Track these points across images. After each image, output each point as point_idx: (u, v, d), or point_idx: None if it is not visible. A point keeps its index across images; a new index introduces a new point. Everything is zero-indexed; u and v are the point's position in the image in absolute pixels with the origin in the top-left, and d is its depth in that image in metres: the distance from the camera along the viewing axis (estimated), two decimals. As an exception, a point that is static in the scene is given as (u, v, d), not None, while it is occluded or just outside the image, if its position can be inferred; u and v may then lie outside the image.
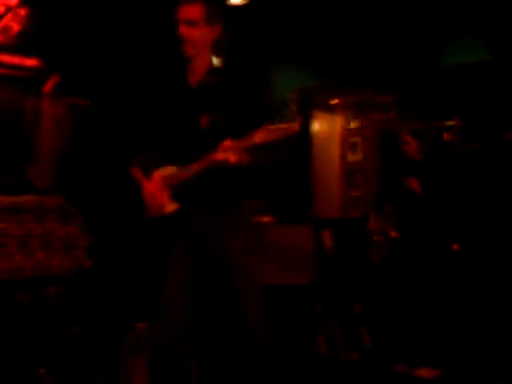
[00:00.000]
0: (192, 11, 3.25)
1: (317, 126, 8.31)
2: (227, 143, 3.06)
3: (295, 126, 3.06)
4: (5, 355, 4.45)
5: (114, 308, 4.78)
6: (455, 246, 5.76)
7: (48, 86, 6.03)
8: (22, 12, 6.31)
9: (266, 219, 6.89)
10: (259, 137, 3.03)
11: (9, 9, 6.24)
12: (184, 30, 3.25)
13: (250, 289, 3.32)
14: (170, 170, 3.23)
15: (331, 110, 8.29)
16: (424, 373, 5.34)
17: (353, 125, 8.21)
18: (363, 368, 5.61)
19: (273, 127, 3.03)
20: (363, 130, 8.09)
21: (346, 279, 6.43)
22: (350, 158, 8.19)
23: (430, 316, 5.58)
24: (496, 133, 6.48)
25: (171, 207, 3.20)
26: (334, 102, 8.25)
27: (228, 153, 3.04)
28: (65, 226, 4.89)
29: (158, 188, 3.19)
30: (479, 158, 6.55)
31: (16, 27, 6.29)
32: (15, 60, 6.27)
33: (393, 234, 5.92)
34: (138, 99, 3.34)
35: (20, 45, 6.31)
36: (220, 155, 3.07)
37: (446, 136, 6.70)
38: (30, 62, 6.34)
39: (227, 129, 3.20)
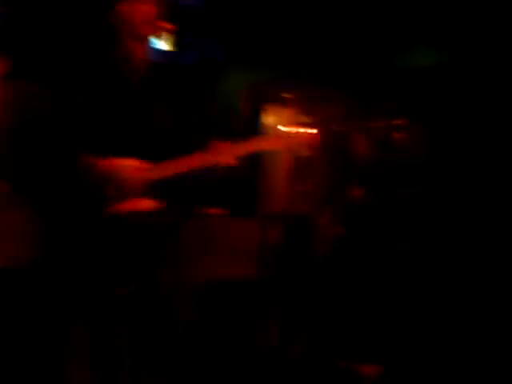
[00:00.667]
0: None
1: (267, 119, 8.28)
2: (222, 145, 3.06)
3: (310, 133, 3.09)
4: None
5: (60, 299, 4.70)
6: (400, 246, 5.84)
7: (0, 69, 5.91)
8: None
9: (214, 211, 6.89)
10: (269, 143, 3.06)
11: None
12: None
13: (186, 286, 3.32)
14: (136, 164, 3.16)
15: (282, 103, 8.28)
16: (366, 369, 5.39)
17: (302, 120, 8.20)
18: (305, 363, 5.64)
19: (286, 134, 3.07)
20: (314, 125, 8.09)
21: (291, 275, 6.46)
22: (299, 152, 8.19)
23: (374, 313, 5.64)
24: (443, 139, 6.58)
25: (149, 204, 3.16)
26: (285, 95, 8.24)
27: (223, 156, 3.03)
28: (9, 214, 4.80)
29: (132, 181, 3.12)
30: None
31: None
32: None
33: (339, 230, 5.95)
34: (89, 86, 3.27)
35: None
36: (216, 158, 3.06)
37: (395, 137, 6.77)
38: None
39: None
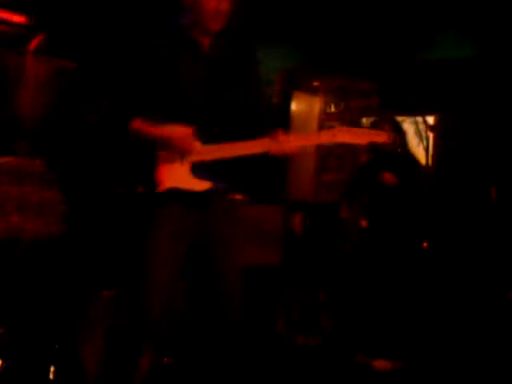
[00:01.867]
0: None
1: (296, 106, 8.28)
2: (287, 136, 3.06)
3: (384, 135, 3.08)
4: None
5: (82, 275, 4.75)
6: (425, 244, 5.82)
7: (33, 44, 5.94)
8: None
9: (238, 196, 6.87)
10: (341, 137, 3.05)
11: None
12: (217, 4, 3.18)
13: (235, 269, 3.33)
14: (186, 128, 3.13)
15: (312, 91, 8.27)
16: (381, 364, 5.39)
17: (332, 109, 8.20)
18: (321, 354, 5.65)
19: (358, 130, 3.07)
20: (342, 114, 8.08)
21: (313, 264, 6.46)
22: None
23: (393, 309, 5.63)
24: (475, 131, 6.54)
25: (203, 185, 3.15)
26: (316, 84, 8.23)
27: (285, 145, 3.04)
28: (41, 191, 4.85)
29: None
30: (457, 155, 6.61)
31: (3, -18, 6.16)
32: (2, 15, 6.14)
33: (363, 223, 5.93)
34: (134, 65, 3.26)
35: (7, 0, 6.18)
36: (277, 146, 3.06)
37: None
38: (18, 18, 6.21)
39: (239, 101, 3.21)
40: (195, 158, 3.13)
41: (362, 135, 3.14)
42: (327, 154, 8.07)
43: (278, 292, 6.18)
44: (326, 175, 8.05)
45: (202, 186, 3.15)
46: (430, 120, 7.07)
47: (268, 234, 6.35)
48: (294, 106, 8.28)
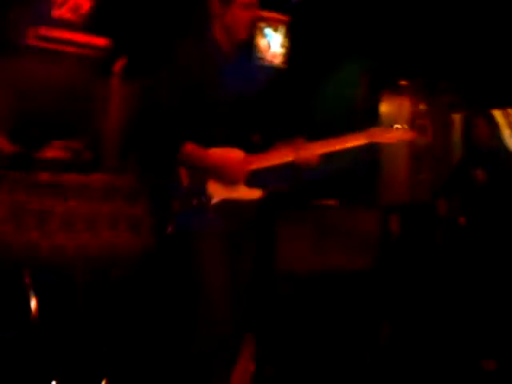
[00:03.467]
0: None
1: (385, 107, 8.18)
2: (310, 144, 3.06)
3: (410, 133, 3.08)
4: (69, 333, 4.49)
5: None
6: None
7: (117, 66, 6.08)
8: (93, -10, 6.35)
9: (330, 202, 6.84)
10: (371, 137, 3.05)
11: (80, -13, 6.29)
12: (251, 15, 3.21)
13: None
14: (237, 154, 3.16)
15: (400, 91, 8.16)
16: (489, 365, 5.25)
17: (421, 107, 8.07)
18: (426, 357, 5.54)
19: (387, 130, 3.06)
20: (432, 112, 7.95)
21: (412, 265, 6.37)
22: (419, 140, 8.06)
23: (496, 306, 5.48)
24: None
25: (257, 193, 3.16)
26: (403, 83, 8.12)
27: (307, 153, 3.03)
28: (132, 206, 4.92)
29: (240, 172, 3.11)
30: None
31: (86, 5, 6.31)
32: (86, 39, 6.29)
33: (461, 220, 5.81)
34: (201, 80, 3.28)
35: (90, 23, 6.33)
36: (299, 155, 3.06)
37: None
38: (100, 41, 6.36)
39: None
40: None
41: (391, 134, 3.13)
42: (422, 155, 7.95)
43: (377, 297, 6.10)
44: (421, 175, 7.92)
45: (253, 194, 3.16)
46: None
47: (363, 237, 6.29)
48: (382, 108, 8.18)
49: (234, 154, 3.10)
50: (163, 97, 3.05)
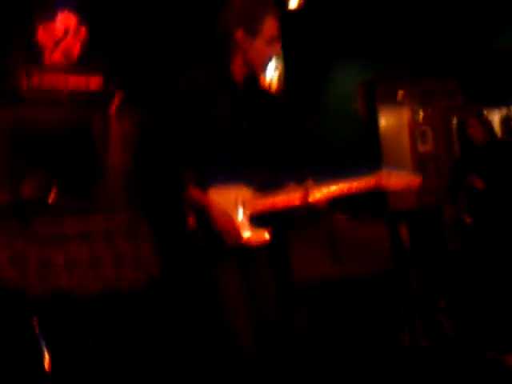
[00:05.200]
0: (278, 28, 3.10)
1: (384, 118, 8.23)
2: (318, 187, 3.02)
3: (417, 180, 3.04)
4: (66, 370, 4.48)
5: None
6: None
7: (114, 104, 6.15)
8: (82, 32, 6.45)
9: (339, 216, 6.87)
10: (379, 181, 3.00)
11: (68, 32, 6.39)
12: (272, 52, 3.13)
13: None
14: (242, 193, 3.08)
15: (397, 101, 8.20)
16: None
17: (420, 114, 8.11)
18: (450, 355, 5.54)
19: (393, 174, 3.01)
20: (431, 118, 7.98)
21: (426, 270, 6.37)
22: (421, 148, 8.09)
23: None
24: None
25: (259, 236, 3.09)
26: (399, 93, 8.16)
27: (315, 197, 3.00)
28: (134, 246, 4.95)
29: (229, 217, 2.95)
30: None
31: (77, 48, 6.41)
32: (80, 80, 6.38)
33: (468, 220, 5.84)
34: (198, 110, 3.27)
35: (83, 65, 6.42)
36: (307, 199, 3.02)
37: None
38: (95, 81, 6.45)
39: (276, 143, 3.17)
40: (250, 209, 3.07)
41: (399, 181, 3.08)
42: (425, 160, 7.97)
43: (393, 304, 6.11)
44: (427, 180, 7.93)
45: (258, 238, 3.10)
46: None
47: (374, 247, 6.32)
48: (382, 122, 8.23)
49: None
50: (166, 123, 3.00)
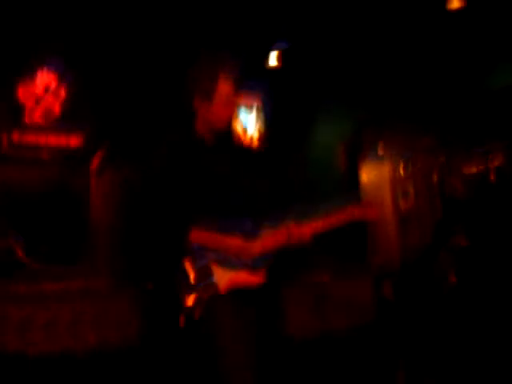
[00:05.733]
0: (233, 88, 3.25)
1: (365, 175, 8.24)
2: (298, 226, 3.08)
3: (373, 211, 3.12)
4: None
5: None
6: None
7: (95, 162, 6.13)
8: (62, 92, 6.46)
9: (323, 276, 6.86)
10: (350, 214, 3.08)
11: (48, 90, 6.40)
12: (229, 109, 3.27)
13: None
14: (233, 241, 3.14)
15: (378, 157, 8.23)
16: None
17: (401, 171, 8.13)
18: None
19: (369, 206, 3.10)
20: (413, 175, 8.01)
21: (412, 326, 6.33)
22: (403, 205, 8.09)
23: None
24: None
25: (256, 279, 3.13)
26: (381, 149, 8.19)
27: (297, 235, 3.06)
28: (116, 306, 4.88)
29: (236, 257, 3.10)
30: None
31: (57, 108, 6.42)
32: (60, 140, 6.38)
33: (452, 278, 5.84)
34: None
35: (64, 123, 6.43)
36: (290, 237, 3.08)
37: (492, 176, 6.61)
38: (76, 139, 6.44)
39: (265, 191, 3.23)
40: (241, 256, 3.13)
41: (374, 211, 3.19)
42: (407, 217, 7.97)
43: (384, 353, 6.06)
44: (409, 237, 7.93)
45: (257, 279, 3.14)
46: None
47: (358, 304, 6.31)
48: (363, 176, 8.24)
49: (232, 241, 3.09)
50: (151, 187, 3.08)
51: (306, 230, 3.14)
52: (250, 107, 7.70)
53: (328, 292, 6.35)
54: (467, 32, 6.64)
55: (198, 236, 3.05)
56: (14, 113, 6.21)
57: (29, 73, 6.31)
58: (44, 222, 6.04)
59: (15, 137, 6.13)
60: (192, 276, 3.02)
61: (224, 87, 3.19)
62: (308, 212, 3.21)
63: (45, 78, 6.35)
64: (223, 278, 3.07)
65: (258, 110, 8.19)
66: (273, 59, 7.27)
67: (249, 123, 8.02)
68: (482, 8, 6.43)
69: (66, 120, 6.44)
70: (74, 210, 6.12)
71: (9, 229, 5.75)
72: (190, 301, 3.01)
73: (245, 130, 8.10)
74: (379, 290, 6.63)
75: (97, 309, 4.79)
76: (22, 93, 6.24)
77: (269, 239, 3.14)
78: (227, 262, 3.09)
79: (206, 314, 3.03)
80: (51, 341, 4.62)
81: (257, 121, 8.12)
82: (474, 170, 6.26)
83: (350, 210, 3.18)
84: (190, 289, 3.02)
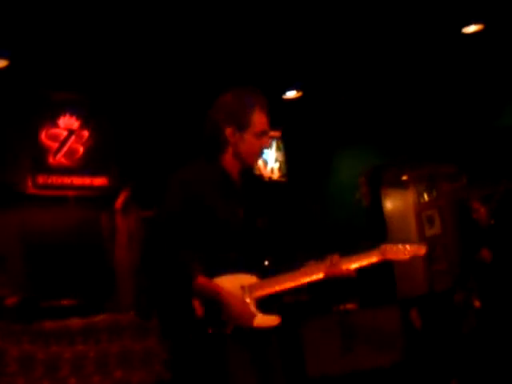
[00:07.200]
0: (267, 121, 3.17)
1: (389, 203, 8.24)
2: (336, 259, 3.03)
3: (423, 248, 3.05)
4: None
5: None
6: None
7: (119, 202, 6.19)
8: (85, 134, 6.57)
9: (350, 306, 6.86)
10: (388, 254, 3.02)
11: (71, 132, 6.53)
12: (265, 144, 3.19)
13: None
14: (248, 280, 3.10)
15: (401, 185, 8.23)
16: None
17: (426, 198, 8.12)
18: None
19: (400, 247, 3.04)
20: (437, 201, 7.99)
21: (440, 354, 6.29)
22: (428, 232, 8.08)
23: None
24: None
25: (274, 320, 3.08)
26: (404, 177, 8.20)
27: (337, 268, 3.00)
28: (142, 341, 4.89)
29: (241, 300, 2.98)
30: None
31: (81, 149, 6.52)
32: (85, 181, 6.47)
33: (477, 304, 5.82)
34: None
35: (87, 165, 6.51)
36: (330, 271, 3.03)
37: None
38: (99, 181, 6.53)
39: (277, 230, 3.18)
40: (257, 294, 3.09)
41: (404, 251, 3.10)
42: (433, 244, 7.93)
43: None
44: (436, 265, 7.90)
45: (269, 321, 3.09)
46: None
47: (386, 335, 6.28)
48: (387, 205, 8.24)
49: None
50: (171, 225, 3.04)
51: (352, 263, 3.03)
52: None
53: (355, 323, 6.36)
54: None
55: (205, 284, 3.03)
56: (39, 156, 6.31)
57: (51, 118, 6.43)
58: (69, 260, 6.11)
59: (40, 178, 6.23)
60: (199, 312, 2.99)
61: (259, 117, 3.12)
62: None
63: (67, 123, 6.47)
64: (232, 319, 3.05)
65: (277, 141, 8.26)
66: (291, 93, 7.33)
67: (268, 156, 8.09)
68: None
69: (90, 161, 6.54)
70: (98, 248, 6.18)
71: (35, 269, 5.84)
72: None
73: (265, 162, 8.15)
74: (406, 318, 6.62)
75: (122, 346, 4.83)
76: (45, 137, 6.36)
77: (303, 273, 3.04)
78: None
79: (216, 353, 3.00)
80: (78, 379, 4.65)
81: (276, 154, 8.19)
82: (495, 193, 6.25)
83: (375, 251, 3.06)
84: (196, 325, 3.00)
